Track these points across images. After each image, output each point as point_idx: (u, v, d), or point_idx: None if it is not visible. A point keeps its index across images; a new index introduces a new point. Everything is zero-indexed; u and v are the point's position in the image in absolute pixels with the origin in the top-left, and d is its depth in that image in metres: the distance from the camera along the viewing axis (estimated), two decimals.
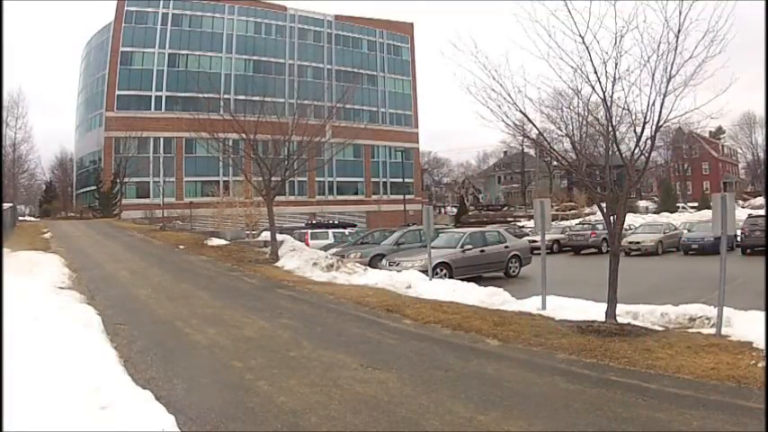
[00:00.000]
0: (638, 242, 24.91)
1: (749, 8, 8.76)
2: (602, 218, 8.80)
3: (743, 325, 7.31)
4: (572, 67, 7.78)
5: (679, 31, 7.18)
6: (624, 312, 8.37)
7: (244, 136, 18.52)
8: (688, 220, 36.66)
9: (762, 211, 26.99)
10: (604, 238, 23.13)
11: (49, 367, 5.56)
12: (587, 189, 10.10)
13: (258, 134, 18.47)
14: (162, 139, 54.58)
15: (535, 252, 16.75)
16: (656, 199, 66.17)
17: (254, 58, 59.94)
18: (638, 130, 7.78)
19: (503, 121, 8.49)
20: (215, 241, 22.21)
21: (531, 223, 40.82)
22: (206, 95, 24.08)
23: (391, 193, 64.41)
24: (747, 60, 13.51)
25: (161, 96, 54.88)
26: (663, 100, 7.47)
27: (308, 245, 21.41)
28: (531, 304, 9.71)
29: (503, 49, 8.10)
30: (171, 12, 56.34)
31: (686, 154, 72.59)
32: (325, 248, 20.37)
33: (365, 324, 8.75)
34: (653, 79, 7.46)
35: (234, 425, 4.73)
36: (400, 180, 58.11)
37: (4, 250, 14.88)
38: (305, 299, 11.08)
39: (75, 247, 20.47)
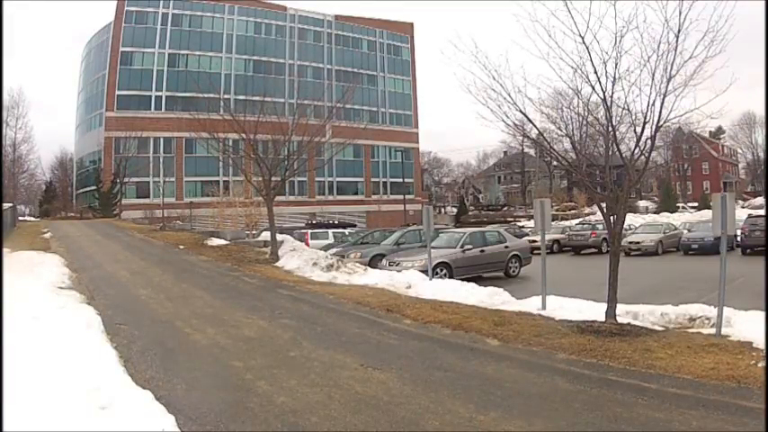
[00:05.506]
0: (638, 242, 24.92)
1: (749, 8, 8.75)
2: (602, 218, 8.81)
3: (743, 325, 7.31)
4: (572, 67, 7.81)
5: (679, 31, 7.20)
6: (624, 312, 8.37)
7: (244, 136, 18.51)
8: (688, 220, 36.71)
9: (762, 211, 27.00)
10: (604, 238, 23.16)
11: (50, 367, 5.57)
12: (587, 189, 10.11)
13: (258, 134, 18.46)
14: (162, 139, 54.56)
15: (535, 252, 16.76)
16: (656, 199, 66.27)
17: (254, 58, 59.92)
18: (638, 130, 7.80)
19: (503, 121, 8.52)
20: (215, 241, 22.16)
21: (531, 223, 40.84)
22: (206, 95, 24.09)
23: (391, 193, 64.40)
24: (747, 60, 13.52)
25: (161, 96, 54.85)
26: (663, 100, 7.48)
27: (307, 245, 21.39)
28: (531, 304, 9.70)
29: (503, 49, 8.13)
30: (171, 12, 56.33)
31: (686, 154, 72.61)
32: (326, 248, 20.35)
33: (365, 324, 8.75)
34: (653, 79, 7.48)
35: (234, 425, 4.73)
36: (400, 180, 58.07)
37: (4, 250, 14.89)
38: (305, 299, 11.07)
39: (75, 247, 20.44)
